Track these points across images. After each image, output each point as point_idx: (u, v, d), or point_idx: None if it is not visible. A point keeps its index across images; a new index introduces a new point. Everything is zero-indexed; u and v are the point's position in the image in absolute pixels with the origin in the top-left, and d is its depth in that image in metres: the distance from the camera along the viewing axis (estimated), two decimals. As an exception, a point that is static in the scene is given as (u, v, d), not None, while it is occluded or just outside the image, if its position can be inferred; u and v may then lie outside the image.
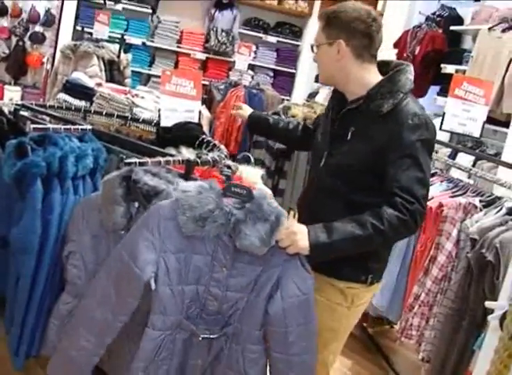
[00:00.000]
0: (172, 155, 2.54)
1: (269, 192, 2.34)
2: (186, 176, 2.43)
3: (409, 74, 2.29)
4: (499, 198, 3.15)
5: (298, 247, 2.02)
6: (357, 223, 2.07)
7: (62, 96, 4.55)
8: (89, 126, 2.82)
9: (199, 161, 2.50)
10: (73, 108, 3.58)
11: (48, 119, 3.23)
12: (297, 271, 2.04)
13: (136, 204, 2.25)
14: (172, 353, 2.07)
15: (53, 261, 2.45)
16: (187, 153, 2.85)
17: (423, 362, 3.10)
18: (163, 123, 3.25)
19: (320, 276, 2.23)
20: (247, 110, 3.11)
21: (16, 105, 3.22)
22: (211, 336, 2.07)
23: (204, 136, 3.05)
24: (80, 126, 2.80)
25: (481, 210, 3.07)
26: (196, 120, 3.31)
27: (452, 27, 6.30)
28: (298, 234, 2.02)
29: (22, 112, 3.15)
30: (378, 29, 2.25)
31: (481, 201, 3.15)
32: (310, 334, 2.08)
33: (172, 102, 3.27)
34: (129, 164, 2.25)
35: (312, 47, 2.37)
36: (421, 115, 2.20)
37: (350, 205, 2.23)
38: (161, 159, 2.37)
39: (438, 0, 6.72)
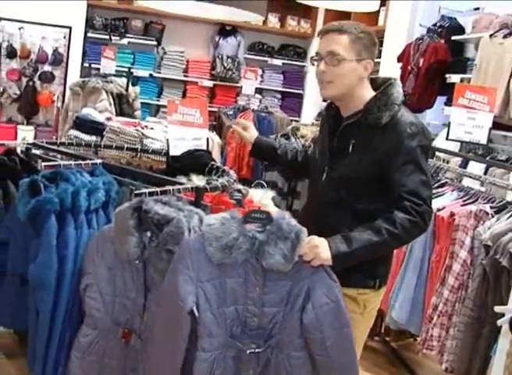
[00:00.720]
0: (181, 184, 2.59)
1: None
2: (197, 203, 2.48)
3: (398, 88, 2.41)
4: (511, 203, 3.16)
5: (321, 259, 2.13)
6: (372, 231, 2.20)
7: (73, 132, 4.63)
8: (99, 161, 2.88)
9: (208, 187, 2.55)
10: (83, 143, 3.64)
11: (59, 156, 3.29)
12: (324, 281, 2.16)
13: (149, 233, 2.30)
14: (225, 370, 2.18)
15: (71, 295, 2.49)
16: (197, 180, 2.89)
17: (447, 372, 3.09)
18: (172, 153, 3.29)
19: None
20: (252, 133, 2.98)
21: (28, 144, 3.29)
22: (257, 350, 2.19)
23: (213, 162, 3.10)
24: (91, 161, 2.86)
25: (492, 216, 3.08)
26: (204, 147, 3.35)
27: (453, 37, 6.30)
28: (320, 247, 2.14)
29: (34, 151, 3.23)
30: None
31: (492, 207, 3.16)
32: (346, 337, 2.18)
33: (179, 131, 3.32)
34: (140, 195, 2.30)
35: (321, 58, 2.36)
36: (417, 123, 2.33)
37: (356, 214, 2.35)
38: (171, 188, 2.42)
39: (438, 11, 6.76)
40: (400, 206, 2.21)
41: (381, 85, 2.41)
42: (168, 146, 3.34)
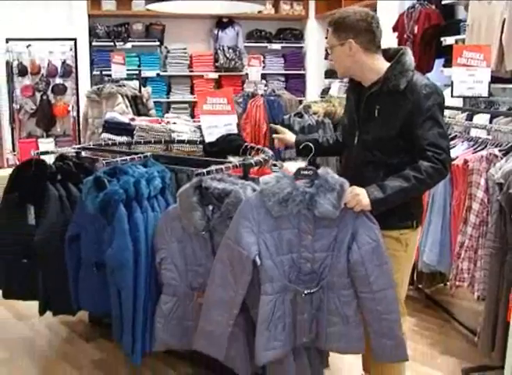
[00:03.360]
0: (229, 162, 2.94)
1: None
2: (245, 177, 2.84)
3: (410, 55, 2.74)
4: (516, 145, 3.50)
5: (362, 205, 2.51)
6: (402, 178, 2.57)
7: (106, 135, 4.95)
8: (149, 153, 3.24)
9: (253, 162, 2.91)
10: (118, 142, 4.02)
11: (109, 155, 3.64)
12: (365, 224, 2.52)
13: (211, 207, 2.67)
14: (284, 312, 2.54)
15: (147, 270, 2.85)
16: (235, 161, 3.24)
17: (478, 300, 3.44)
18: (208, 140, 3.65)
19: None
20: (291, 134, 3.22)
21: (78, 148, 3.67)
22: (312, 290, 2.55)
23: (246, 143, 3.45)
24: (142, 154, 3.22)
25: (501, 158, 3.40)
26: (235, 131, 3.71)
27: (444, 1, 6.59)
28: (360, 195, 2.51)
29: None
30: (377, 24, 2.71)
31: (500, 150, 3.48)
32: (386, 273, 2.54)
33: (211, 120, 3.68)
34: (199, 174, 2.66)
35: (327, 50, 2.80)
36: (431, 84, 2.67)
37: (387, 169, 2.68)
38: (223, 166, 2.77)
39: (425, -22, 7.02)
40: (424, 156, 2.57)
41: (393, 55, 2.75)
42: (202, 134, 3.69)
